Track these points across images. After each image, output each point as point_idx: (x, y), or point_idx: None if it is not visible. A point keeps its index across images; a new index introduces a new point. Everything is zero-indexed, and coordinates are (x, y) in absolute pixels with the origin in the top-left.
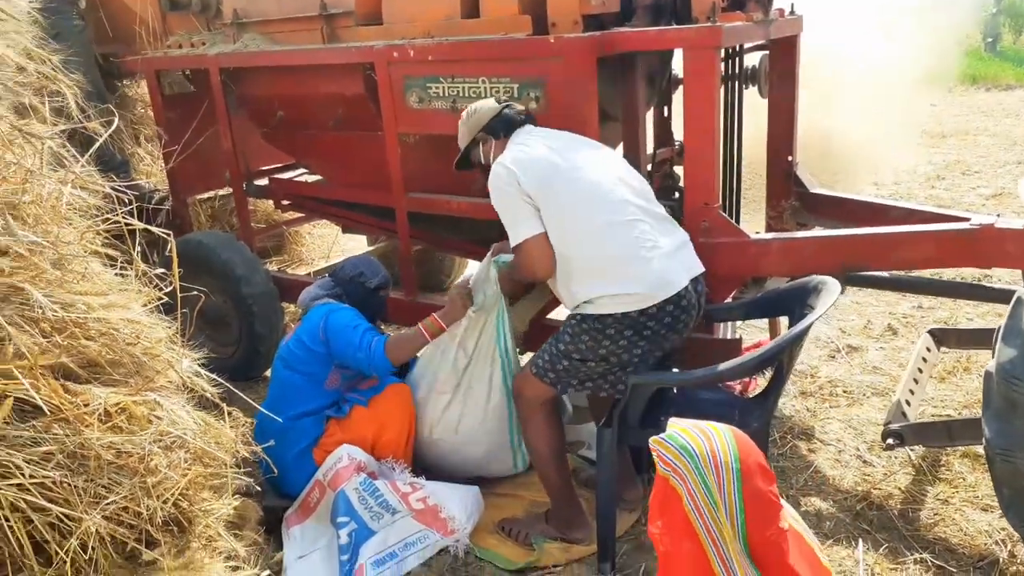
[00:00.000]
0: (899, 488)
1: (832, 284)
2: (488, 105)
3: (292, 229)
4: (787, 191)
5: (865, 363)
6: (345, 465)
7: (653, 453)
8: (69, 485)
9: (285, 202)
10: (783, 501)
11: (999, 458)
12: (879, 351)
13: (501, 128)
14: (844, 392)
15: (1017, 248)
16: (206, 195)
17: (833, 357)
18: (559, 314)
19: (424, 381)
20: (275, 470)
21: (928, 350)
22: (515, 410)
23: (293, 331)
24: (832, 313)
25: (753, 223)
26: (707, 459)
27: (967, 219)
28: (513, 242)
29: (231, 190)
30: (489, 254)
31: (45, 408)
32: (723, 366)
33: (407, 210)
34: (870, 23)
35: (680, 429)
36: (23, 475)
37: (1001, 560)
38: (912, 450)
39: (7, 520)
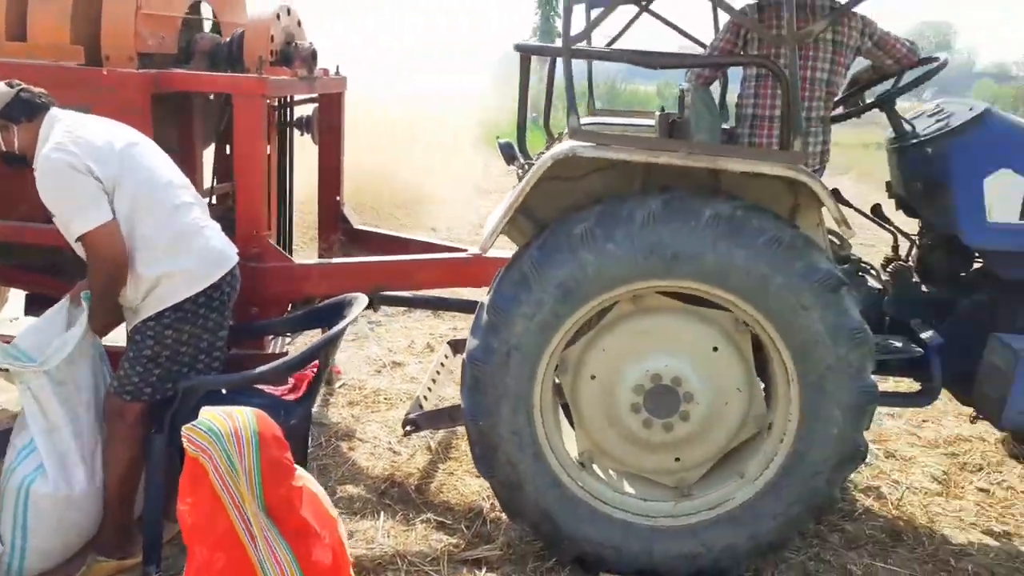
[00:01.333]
0: (418, 469)
1: (361, 299)
2: (1, 90)
3: None
4: (335, 227)
5: (405, 375)
6: None
7: (184, 439)
8: None
9: None
10: (298, 468)
11: (471, 424)
12: (418, 365)
13: (23, 112)
14: (385, 399)
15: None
16: None
17: (379, 372)
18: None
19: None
20: None
21: (447, 357)
22: (108, 431)
23: None
24: (383, 335)
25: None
26: (230, 436)
27: (465, 250)
28: (81, 230)
29: None
30: (68, 298)
31: None
32: (264, 368)
33: None
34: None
35: (209, 415)
36: None
37: (484, 509)
38: (432, 437)
39: None
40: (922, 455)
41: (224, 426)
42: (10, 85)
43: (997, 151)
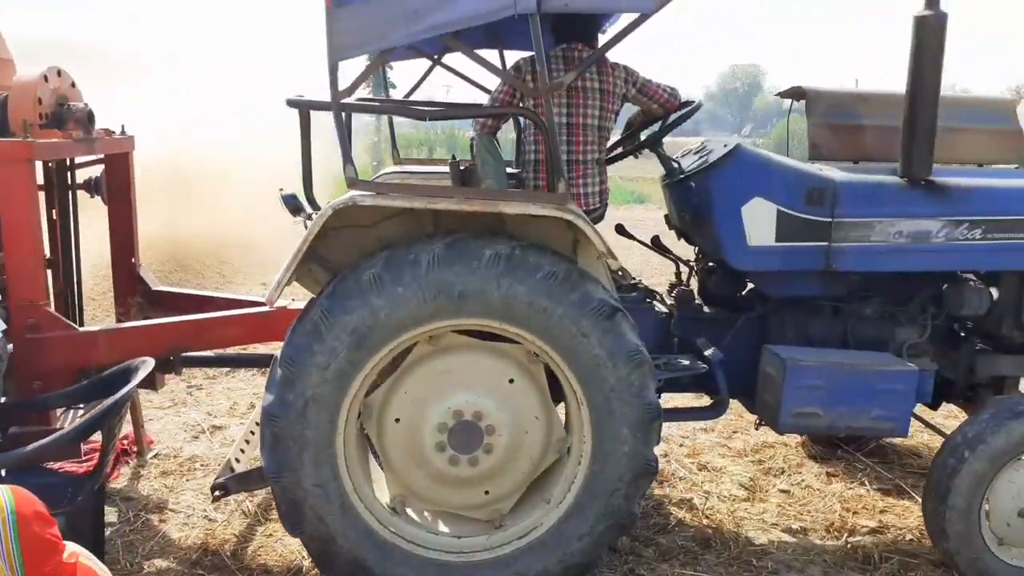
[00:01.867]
0: (234, 534)
1: (148, 362)
2: None
3: None
4: (133, 289)
5: (226, 438)
6: None
7: None
8: None
9: None
10: (69, 543)
11: (274, 481)
12: (240, 427)
13: None
14: (202, 466)
15: None
16: None
17: (197, 438)
18: None
19: None
20: None
21: None
22: None
23: None
24: (202, 399)
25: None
26: None
27: (268, 304)
28: None
29: None
30: None
31: None
32: (38, 443)
33: None
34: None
35: None
36: None
37: (303, 568)
38: (251, 500)
39: None
40: (732, 464)
41: None
42: None
43: (750, 181)
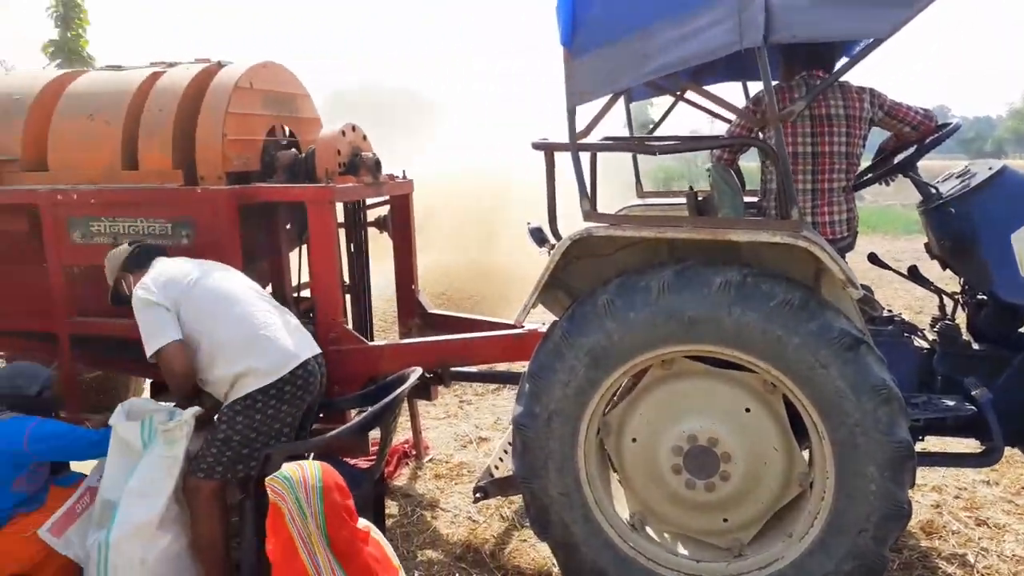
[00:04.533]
0: (493, 536)
1: (416, 371)
2: (121, 250)
3: None
4: (412, 311)
5: (490, 449)
6: None
7: (268, 488)
8: None
9: None
10: (362, 519)
11: (523, 485)
12: (502, 440)
13: (135, 265)
14: (469, 472)
15: None
16: None
17: (465, 447)
18: None
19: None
20: None
21: None
22: (189, 508)
23: None
24: (471, 413)
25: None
26: (299, 483)
27: (522, 326)
28: (152, 350)
29: None
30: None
31: None
32: (332, 432)
33: (69, 333)
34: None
35: (286, 466)
36: None
37: (553, 573)
38: (509, 507)
39: None
40: (1018, 523)
41: (295, 474)
42: (129, 244)
43: (1018, 206)
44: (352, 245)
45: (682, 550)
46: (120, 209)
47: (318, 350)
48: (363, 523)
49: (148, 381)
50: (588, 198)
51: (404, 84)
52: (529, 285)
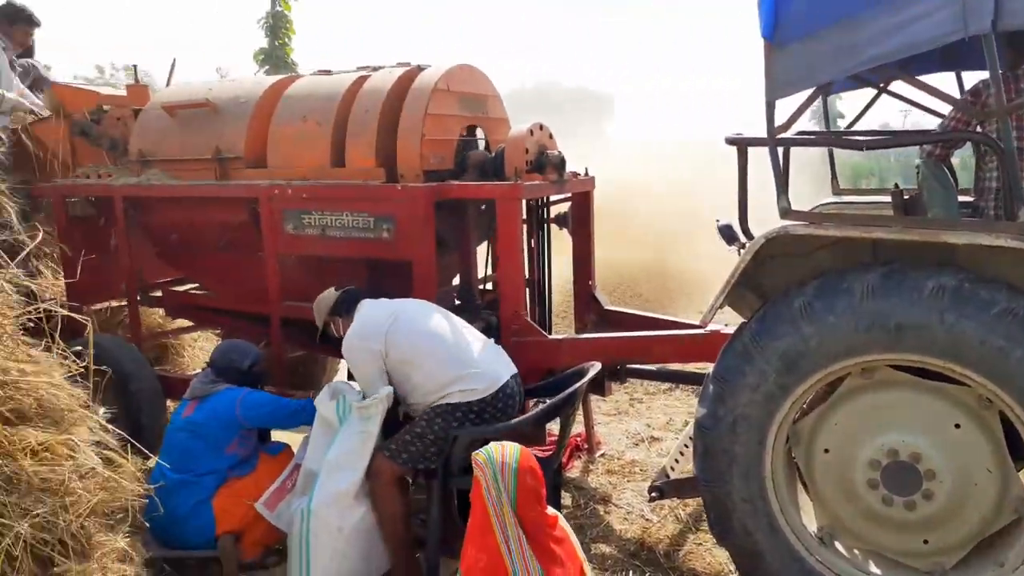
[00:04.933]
0: (667, 536)
1: (595, 366)
2: (328, 295)
3: (175, 339)
4: (588, 307)
5: (662, 449)
6: None
7: (472, 462)
8: (4, 504)
9: (174, 310)
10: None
11: (704, 488)
12: (675, 441)
13: (343, 309)
14: (640, 470)
15: None
16: (98, 306)
17: (637, 445)
18: None
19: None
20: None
21: None
22: (370, 487)
23: (191, 407)
24: (643, 411)
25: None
26: (498, 461)
27: (703, 327)
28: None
29: (124, 301)
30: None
31: None
32: (517, 419)
33: (280, 316)
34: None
35: (491, 445)
36: None
37: None
38: (683, 509)
39: None
40: None
41: (496, 452)
42: (336, 290)
43: None
44: (534, 241)
45: (874, 569)
46: (328, 204)
47: (515, 369)
48: (551, 511)
49: (343, 363)
50: (785, 194)
51: (581, 83)
52: (689, 285)
